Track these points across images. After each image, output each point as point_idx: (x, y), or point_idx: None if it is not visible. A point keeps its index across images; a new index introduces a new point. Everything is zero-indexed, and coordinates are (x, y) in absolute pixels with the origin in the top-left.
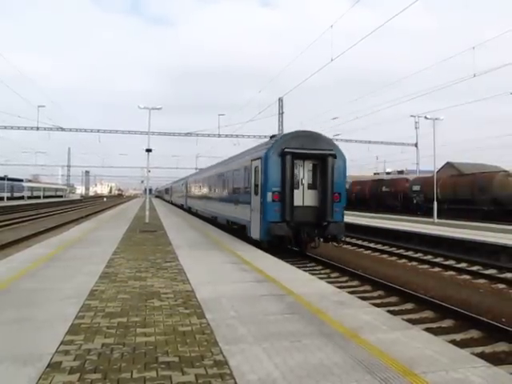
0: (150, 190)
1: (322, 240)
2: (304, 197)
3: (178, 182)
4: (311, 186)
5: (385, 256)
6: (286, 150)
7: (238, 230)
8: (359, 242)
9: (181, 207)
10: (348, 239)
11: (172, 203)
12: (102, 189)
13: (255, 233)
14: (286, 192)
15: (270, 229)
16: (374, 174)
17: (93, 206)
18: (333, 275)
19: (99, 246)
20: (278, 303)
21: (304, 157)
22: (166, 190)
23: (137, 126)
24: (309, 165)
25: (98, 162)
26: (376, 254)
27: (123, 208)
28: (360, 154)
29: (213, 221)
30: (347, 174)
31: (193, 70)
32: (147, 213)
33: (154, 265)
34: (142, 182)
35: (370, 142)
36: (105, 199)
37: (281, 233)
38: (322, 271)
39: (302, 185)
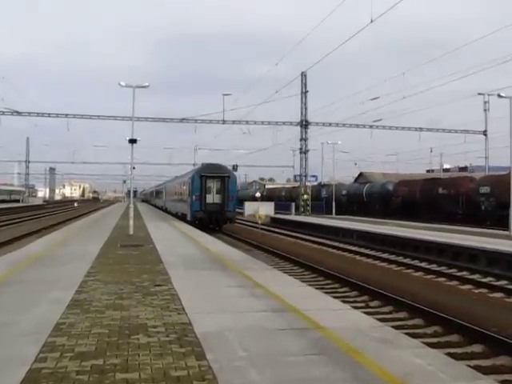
0: (135, 193)
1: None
2: (214, 197)
3: (172, 181)
4: (218, 192)
5: (440, 279)
6: (202, 174)
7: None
8: (406, 260)
9: (176, 215)
10: (393, 257)
11: (166, 211)
12: (72, 191)
13: (188, 216)
14: (202, 195)
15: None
16: (427, 171)
17: (60, 213)
18: (372, 304)
19: (68, 265)
20: (300, 340)
21: (213, 177)
22: (157, 193)
23: (118, 110)
24: (217, 181)
25: (67, 156)
26: (423, 274)
27: (100, 216)
28: (409, 146)
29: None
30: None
31: (189, 35)
32: (131, 222)
33: (139, 289)
34: (125, 182)
35: (421, 129)
36: (76, 204)
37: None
38: (359, 299)
39: (213, 191)
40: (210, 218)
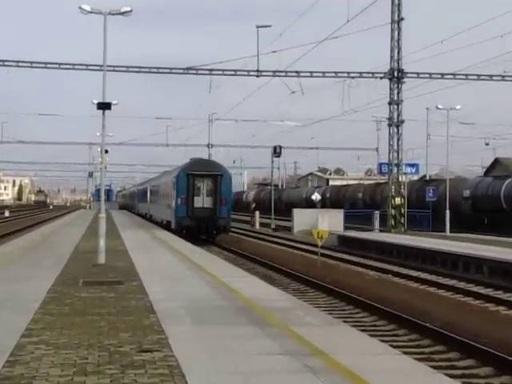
0: (108, 194)
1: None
2: (203, 201)
3: (157, 179)
4: (209, 194)
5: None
6: (189, 172)
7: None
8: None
9: (161, 223)
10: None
11: (151, 219)
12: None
13: (173, 224)
14: (190, 198)
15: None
16: None
17: None
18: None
19: None
20: None
21: (203, 176)
22: (141, 195)
23: (81, 56)
24: (207, 181)
25: None
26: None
27: (50, 232)
28: None
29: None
30: None
31: None
32: (101, 243)
33: (115, 358)
34: (92, 175)
35: None
36: (7, 213)
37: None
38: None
39: (202, 194)
40: (199, 226)
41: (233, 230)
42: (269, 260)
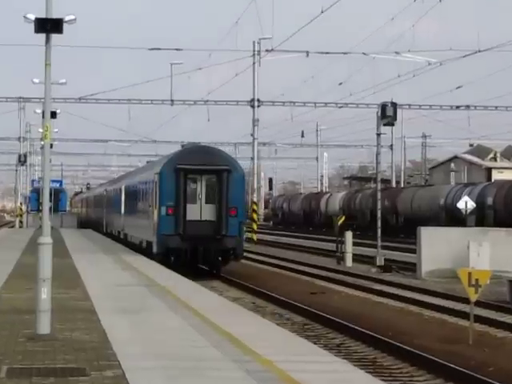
0: (57, 198)
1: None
2: (201, 210)
3: (133, 176)
4: (209, 200)
5: None
6: (179, 166)
7: None
8: None
9: (139, 246)
10: None
11: (127, 240)
12: None
13: (154, 247)
14: (180, 206)
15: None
16: None
17: None
18: None
19: None
20: None
21: (200, 172)
22: (111, 200)
23: None
24: (207, 180)
25: None
26: None
27: None
28: None
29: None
30: None
31: None
32: (43, 295)
33: None
34: (23, 161)
35: None
36: None
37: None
38: None
39: (199, 199)
40: (195, 249)
41: (310, 267)
42: (372, 328)
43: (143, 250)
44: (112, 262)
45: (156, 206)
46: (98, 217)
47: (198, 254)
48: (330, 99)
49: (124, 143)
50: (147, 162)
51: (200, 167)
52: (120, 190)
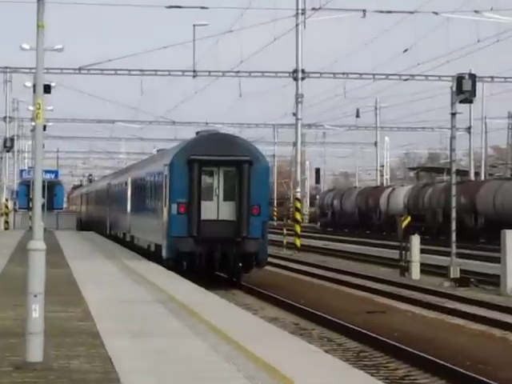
0: (52, 192)
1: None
2: (218, 209)
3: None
4: (228, 197)
5: None
6: (192, 157)
7: None
8: None
9: (147, 250)
10: None
11: (133, 245)
12: None
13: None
14: (194, 203)
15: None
16: None
17: None
18: None
19: None
20: None
21: (217, 164)
22: (119, 197)
23: None
24: (225, 174)
25: None
26: None
27: None
28: None
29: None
30: None
31: None
32: (34, 313)
33: None
34: (9, 146)
35: None
36: None
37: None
38: None
39: (216, 196)
40: (211, 254)
41: (366, 280)
42: (444, 357)
43: (152, 254)
44: (117, 270)
45: (166, 204)
46: (101, 216)
47: (214, 260)
48: (393, 70)
49: (135, 124)
50: (157, 151)
51: (217, 158)
52: (126, 183)
